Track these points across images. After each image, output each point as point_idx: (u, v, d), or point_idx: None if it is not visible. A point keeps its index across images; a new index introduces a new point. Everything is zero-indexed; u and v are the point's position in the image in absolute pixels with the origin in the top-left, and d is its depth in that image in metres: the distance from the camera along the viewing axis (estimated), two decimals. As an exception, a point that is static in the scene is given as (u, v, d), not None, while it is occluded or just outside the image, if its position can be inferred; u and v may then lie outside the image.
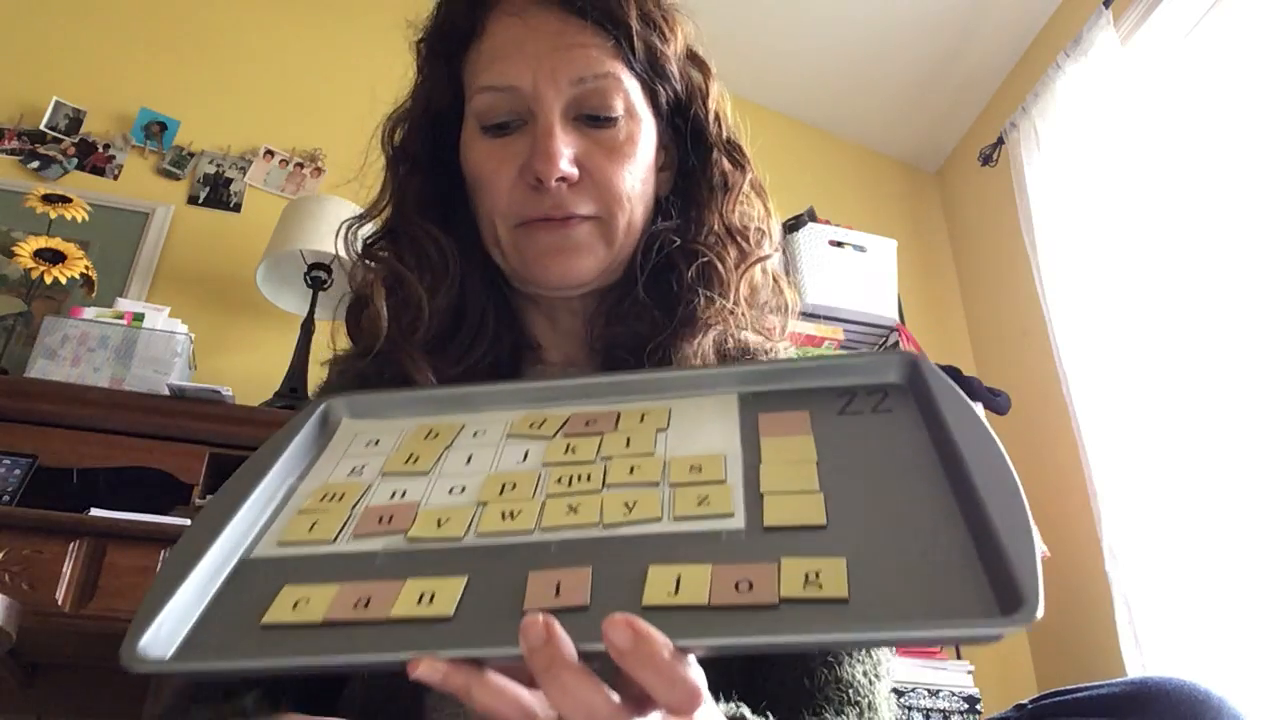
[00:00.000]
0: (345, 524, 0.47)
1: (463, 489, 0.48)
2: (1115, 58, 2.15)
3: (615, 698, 0.35)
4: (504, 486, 0.48)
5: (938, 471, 0.44)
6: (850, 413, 0.51)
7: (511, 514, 0.45)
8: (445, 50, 0.72)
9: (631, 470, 0.48)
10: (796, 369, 0.55)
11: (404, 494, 0.48)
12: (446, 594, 0.39)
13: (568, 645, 0.34)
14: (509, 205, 0.68)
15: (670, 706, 0.35)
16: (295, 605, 0.40)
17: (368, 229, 0.77)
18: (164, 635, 0.39)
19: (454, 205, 0.73)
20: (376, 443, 0.53)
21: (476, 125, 0.69)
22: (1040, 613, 0.33)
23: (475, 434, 0.53)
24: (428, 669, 0.35)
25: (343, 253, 0.76)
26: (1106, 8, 2.19)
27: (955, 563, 0.37)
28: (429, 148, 0.74)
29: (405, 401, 0.57)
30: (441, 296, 0.70)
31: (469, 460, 0.51)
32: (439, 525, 0.45)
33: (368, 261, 0.74)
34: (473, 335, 0.71)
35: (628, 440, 0.50)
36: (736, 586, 0.37)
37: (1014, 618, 0.33)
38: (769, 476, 0.46)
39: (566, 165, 0.65)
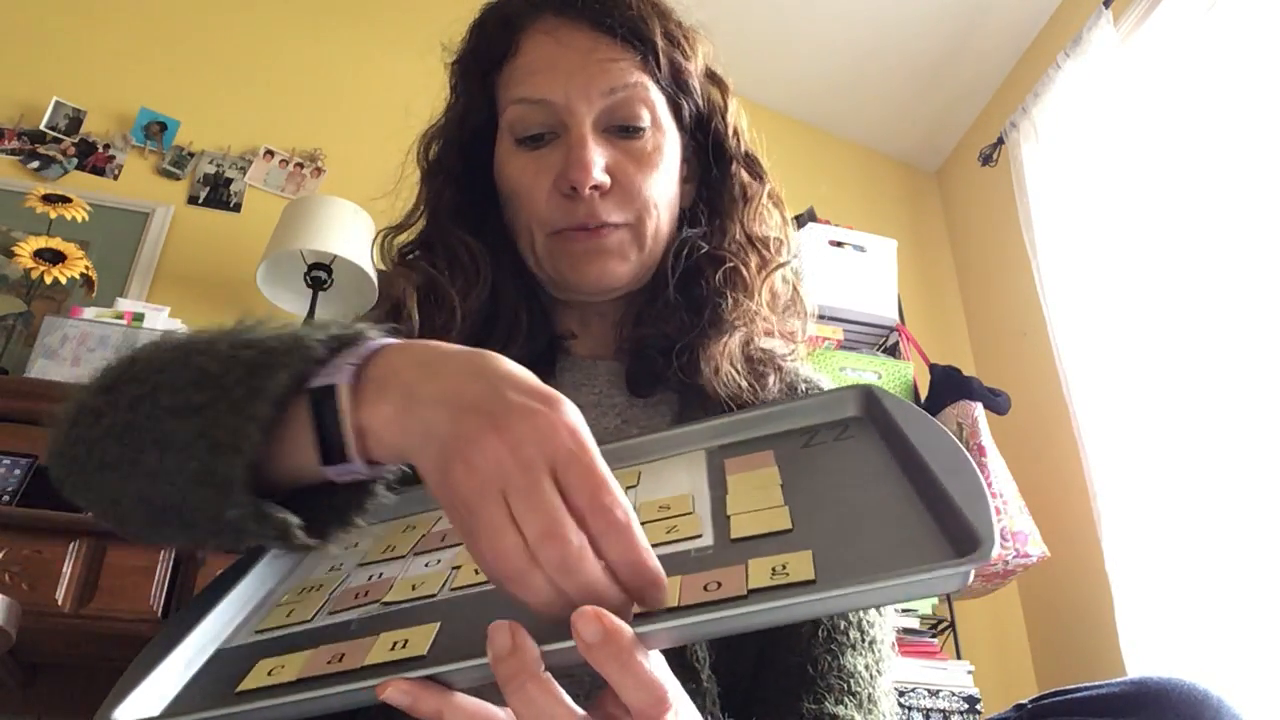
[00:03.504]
0: (322, 606, 0.48)
1: (438, 561, 0.50)
2: (1115, 57, 2.15)
3: (580, 711, 0.35)
4: None
5: (897, 472, 0.46)
6: (814, 445, 0.53)
7: None
8: (480, 70, 0.75)
9: None
10: (758, 418, 0.57)
11: (380, 575, 0.50)
12: (419, 638, 0.40)
13: (533, 653, 0.34)
14: (546, 214, 0.71)
15: (638, 709, 0.35)
16: (270, 672, 0.41)
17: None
18: (138, 708, 0.40)
19: (486, 215, 0.76)
20: (356, 545, 0.55)
21: (511, 138, 0.72)
22: (997, 549, 0.34)
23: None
24: (395, 691, 0.35)
25: (377, 261, 0.79)
26: (1106, 7, 2.19)
27: (915, 534, 0.39)
28: (463, 162, 0.77)
29: (386, 513, 0.57)
30: (473, 299, 0.73)
31: (444, 539, 0.52)
32: (414, 589, 0.46)
33: (403, 269, 0.76)
34: (506, 335, 0.74)
35: None
36: (705, 588, 0.38)
37: (972, 558, 0.34)
38: (735, 501, 0.47)
39: (600, 174, 0.68)
